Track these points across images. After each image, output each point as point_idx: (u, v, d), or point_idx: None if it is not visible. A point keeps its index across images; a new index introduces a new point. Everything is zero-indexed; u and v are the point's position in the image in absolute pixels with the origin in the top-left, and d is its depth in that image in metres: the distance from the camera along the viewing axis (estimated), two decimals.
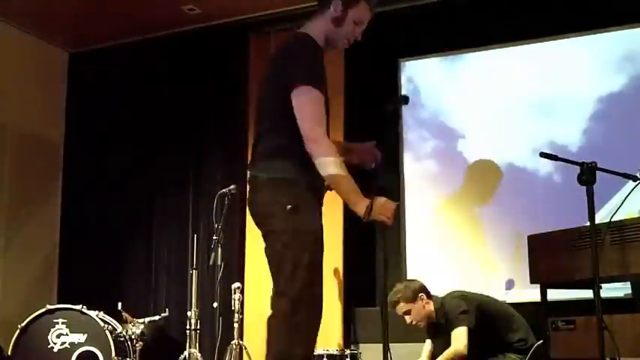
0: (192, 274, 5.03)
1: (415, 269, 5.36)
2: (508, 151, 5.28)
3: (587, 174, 2.89)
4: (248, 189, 2.70)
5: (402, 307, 4.26)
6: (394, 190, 5.44)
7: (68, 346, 4.70)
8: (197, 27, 6.17)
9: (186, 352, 4.76)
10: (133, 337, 4.83)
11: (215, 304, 4.74)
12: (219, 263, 4.70)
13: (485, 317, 4.13)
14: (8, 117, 6.01)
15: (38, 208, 6.30)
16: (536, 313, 3.78)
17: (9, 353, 4.69)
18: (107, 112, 6.40)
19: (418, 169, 5.57)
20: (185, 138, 6.19)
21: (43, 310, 4.79)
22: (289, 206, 2.50)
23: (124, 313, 4.97)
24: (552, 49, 5.25)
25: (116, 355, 4.61)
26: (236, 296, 4.72)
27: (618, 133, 4.96)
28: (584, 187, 2.89)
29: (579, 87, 5.11)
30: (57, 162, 6.55)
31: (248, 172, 2.72)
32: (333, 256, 5.30)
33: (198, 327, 4.84)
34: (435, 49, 5.58)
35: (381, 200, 2.51)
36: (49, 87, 6.54)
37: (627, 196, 3.05)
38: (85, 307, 4.78)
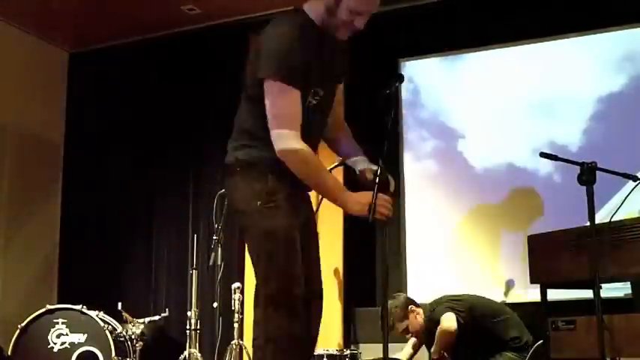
0: (192, 274, 5.03)
1: (415, 269, 5.37)
2: (508, 151, 5.28)
3: (587, 174, 2.89)
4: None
5: (399, 328, 4.31)
6: (394, 190, 5.43)
7: (68, 346, 4.69)
8: (197, 27, 6.17)
9: (186, 352, 4.76)
10: (133, 337, 4.82)
11: (215, 304, 4.74)
12: (219, 263, 4.70)
13: (478, 318, 4.13)
14: (8, 117, 6.01)
15: (38, 208, 6.30)
16: (536, 313, 3.78)
17: (9, 353, 4.69)
18: (107, 112, 6.40)
19: (418, 169, 5.57)
20: (185, 138, 6.19)
21: (43, 310, 4.78)
22: (259, 202, 2.38)
23: (124, 313, 4.96)
24: (552, 49, 5.25)
25: (116, 355, 4.61)
26: (236, 296, 4.71)
27: (618, 133, 4.95)
28: (584, 187, 2.89)
29: (579, 87, 5.10)
30: (57, 162, 6.55)
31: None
32: (333, 256, 5.30)
33: (198, 327, 4.84)
34: (435, 49, 5.58)
35: (383, 198, 2.40)
36: (49, 87, 6.54)
37: (627, 196, 3.05)
38: (85, 307, 4.77)
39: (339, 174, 4.11)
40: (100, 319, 4.72)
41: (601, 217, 3.23)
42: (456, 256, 5.31)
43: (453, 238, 5.36)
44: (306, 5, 2.52)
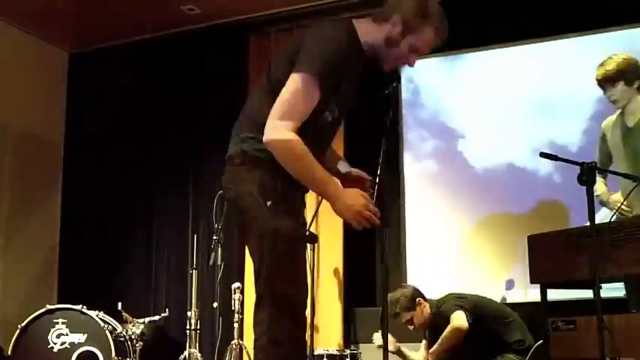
0: (192, 274, 5.04)
1: (415, 269, 5.36)
2: (508, 151, 5.28)
3: (587, 174, 2.89)
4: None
5: (403, 317, 4.27)
6: (394, 190, 5.44)
7: (68, 346, 4.69)
8: (197, 27, 6.17)
9: (186, 352, 4.76)
10: (133, 337, 4.82)
11: (215, 304, 4.75)
12: (219, 263, 4.70)
13: (482, 318, 4.13)
14: (8, 117, 6.01)
15: (38, 208, 6.30)
16: (536, 313, 3.78)
17: (9, 353, 4.69)
18: (107, 112, 6.40)
19: (418, 169, 5.57)
20: (185, 138, 6.19)
21: (43, 310, 4.78)
22: (268, 200, 2.30)
23: (124, 313, 4.96)
24: (552, 49, 5.25)
25: (116, 355, 4.61)
26: (236, 296, 4.72)
27: None
28: (584, 187, 2.89)
29: (579, 87, 5.10)
30: (57, 162, 6.55)
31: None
32: (333, 256, 5.31)
33: (198, 327, 4.84)
34: (434, 49, 5.56)
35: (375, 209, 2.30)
36: (49, 87, 6.54)
37: (627, 196, 3.05)
38: (85, 307, 4.77)
39: None
40: (100, 319, 4.73)
41: (601, 217, 3.24)
42: (457, 256, 5.31)
43: (453, 238, 5.36)
44: (359, 24, 2.44)
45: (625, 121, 4.45)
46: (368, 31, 2.42)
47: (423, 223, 5.47)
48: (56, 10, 5.92)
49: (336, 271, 5.30)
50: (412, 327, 4.31)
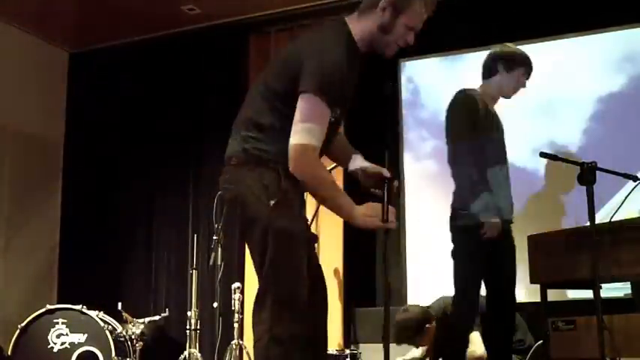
0: (192, 274, 5.04)
1: (415, 269, 5.36)
2: (508, 151, 5.26)
3: (587, 174, 2.89)
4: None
5: (418, 342, 4.13)
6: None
7: (68, 346, 4.69)
8: (197, 27, 6.17)
9: (186, 352, 4.76)
10: (133, 337, 4.82)
11: (215, 304, 4.75)
12: (219, 263, 4.70)
13: (482, 318, 4.11)
14: (8, 117, 6.01)
15: (38, 208, 6.30)
16: (536, 313, 3.78)
17: (9, 353, 4.69)
18: (107, 112, 6.40)
19: (418, 169, 5.57)
20: (185, 138, 6.19)
21: (43, 310, 4.78)
22: (271, 199, 2.29)
23: (124, 313, 4.96)
24: (552, 49, 5.24)
25: (116, 355, 4.61)
26: (236, 296, 4.72)
27: (618, 133, 4.95)
28: (584, 187, 2.89)
29: (579, 87, 5.10)
30: (57, 162, 6.55)
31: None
32: (333, 256, 5.31)
33: (198, 327, 4.84)
34: (435, 49, 5.57)
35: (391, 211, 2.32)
36: (49, 87, 6.54)
37: (627, 196, 3.05)
38: (85, 307, 4.77)
39: (338, 174, 4.12)
40: (100, 319, 4.72)
41: (601, 217, 3.24)
42: None
43: None
44: (350, 20, 2.46)
45: None
46: (361, 28, 2.44)
47: (423, 223, 5.47)
48: (56, 10, 5.92)
49: (336, 271, 5.30)
50: (422, 349, 4.21)
